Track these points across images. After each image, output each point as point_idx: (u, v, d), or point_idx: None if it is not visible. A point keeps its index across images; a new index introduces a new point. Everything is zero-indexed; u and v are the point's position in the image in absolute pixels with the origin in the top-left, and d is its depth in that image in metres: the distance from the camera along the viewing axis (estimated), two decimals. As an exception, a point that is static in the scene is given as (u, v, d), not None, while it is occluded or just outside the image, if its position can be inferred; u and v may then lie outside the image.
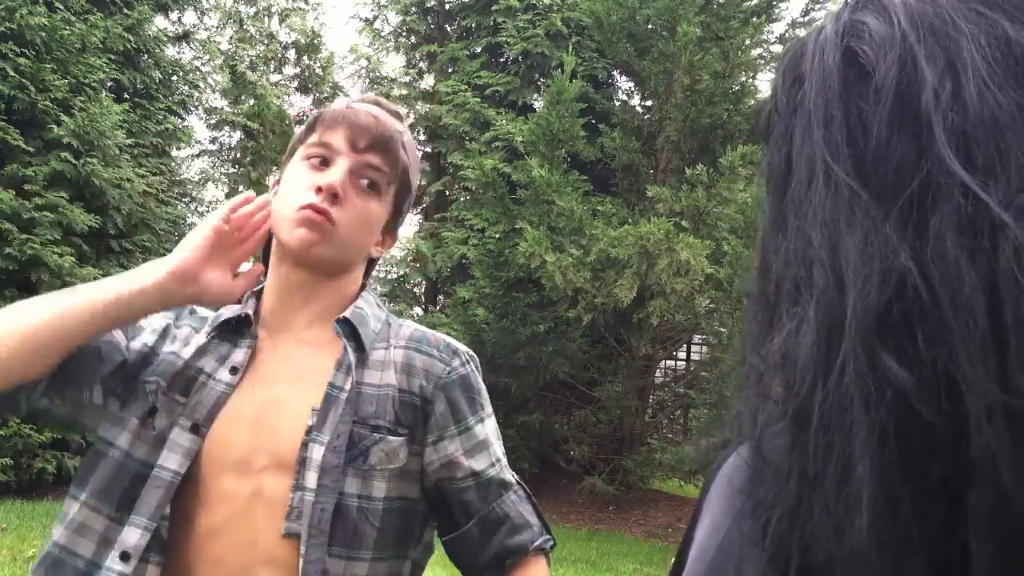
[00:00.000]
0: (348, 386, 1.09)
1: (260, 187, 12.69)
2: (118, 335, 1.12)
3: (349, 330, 1.13)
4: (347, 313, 1.14)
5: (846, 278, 0.42)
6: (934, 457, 0.39)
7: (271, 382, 1.11)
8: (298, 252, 1.11)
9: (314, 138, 1.15)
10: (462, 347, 1.21)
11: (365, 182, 1.14)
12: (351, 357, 1.11)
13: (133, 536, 1.02)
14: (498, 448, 1.18)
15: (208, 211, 11.77)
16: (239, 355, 1.13)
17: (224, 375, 1.11)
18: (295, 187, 1.13)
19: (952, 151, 0.40)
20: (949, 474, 0.38)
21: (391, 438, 1.08)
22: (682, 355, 10.46)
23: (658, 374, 9.77)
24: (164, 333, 1.16)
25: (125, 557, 1.02)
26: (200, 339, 1.14)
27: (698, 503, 0.54)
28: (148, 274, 1.03)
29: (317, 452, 1.04)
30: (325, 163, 1.13)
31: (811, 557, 0.42)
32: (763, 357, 0.47)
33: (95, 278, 6.89)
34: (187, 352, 1.12)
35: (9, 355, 1.00)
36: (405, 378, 1.13)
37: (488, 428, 1.17)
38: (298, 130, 1.24)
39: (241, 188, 12.87)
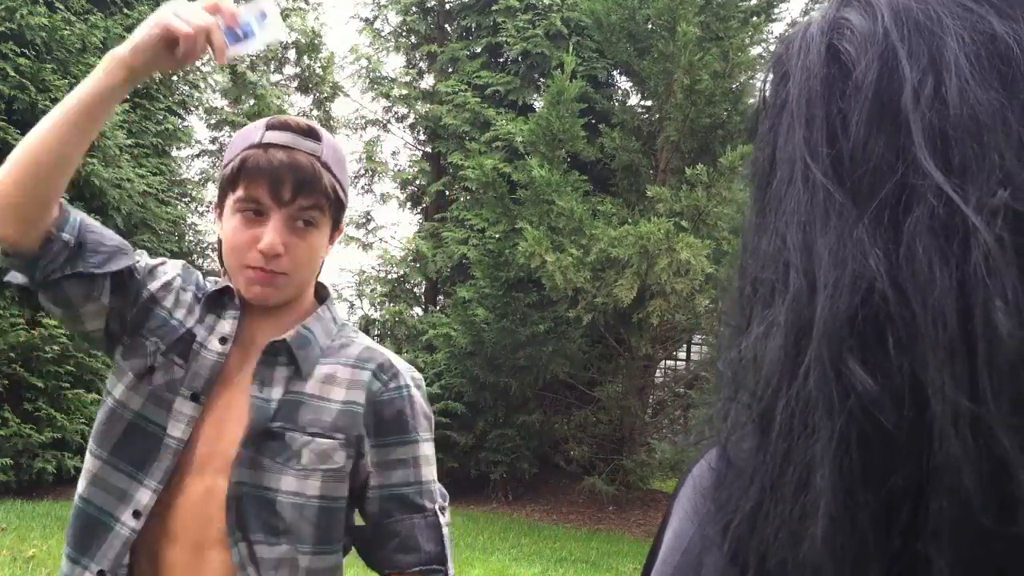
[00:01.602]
0: (276, 397, 1.21)
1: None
2: (133, 256, 1.23)
3: (286, 352, 1.23)
4: (288, 335, 1.23)
5: (818, 281, 0.41)
6: (895, 465, 0.38)
7: (233, 387, 1.22)
8: (256, 303, 1.23)
9: (240, 192, 1.18)
10: (407, 370, 1.29)
11: (301, 223, 1.20)
12: (285, 373, 1.23)
13: (144, 496, 1.16)
14: (424, 472, 1.26)
15: (208, 211, 11.78)
16: (226, 326, 1.23)
17: (215, 344, 1.22)
18: (237, 241, 1.19)
19: (929, 152, 0.39)
20: (910, 482, 0.37)
21: (322, 440, 1.19)
22: (682, 355, 10.46)
23: (658, 374, 9.77)
24: (168, 286, 1.25)
25: (136, 515, 1.16)
26: (197, 309, 1.24)
27: (668, 505, 0.54)
28: (113, 57, 1.12)
29: (244, 453, 1.17)
30: (259, 213, 1.18)
31: (767, 563, 0.41)
32: (733, 359, 0.46)
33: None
34: (190, 320, 1.22)
35: (16, 186, 1.11)
36: (347, 392, 1.23)
37: (415, 450, 1.25)
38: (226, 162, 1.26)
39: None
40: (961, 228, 0.38)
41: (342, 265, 12.56)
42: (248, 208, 1.18)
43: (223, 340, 1.22)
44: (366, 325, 11.08)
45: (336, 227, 1.28)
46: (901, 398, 0.38)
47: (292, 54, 13.47)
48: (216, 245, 1.30)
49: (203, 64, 11.15)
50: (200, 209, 11.36)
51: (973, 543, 0.36)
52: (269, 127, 1.20)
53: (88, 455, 1.21)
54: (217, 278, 1.31)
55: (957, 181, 0.38)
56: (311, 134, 1.22)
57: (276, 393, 1.21)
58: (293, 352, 1.22)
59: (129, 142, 8.35)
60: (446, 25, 11.52)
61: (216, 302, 1.25)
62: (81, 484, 1.20)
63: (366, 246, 11.99)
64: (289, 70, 13.59)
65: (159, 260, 1.28)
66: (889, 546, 0.38)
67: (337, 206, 1.24)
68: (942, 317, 0.37)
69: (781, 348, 0.42)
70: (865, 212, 0.40)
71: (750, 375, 0.44)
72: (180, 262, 1.29)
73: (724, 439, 0.46)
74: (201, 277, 1.29)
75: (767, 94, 0.50)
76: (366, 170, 12.48)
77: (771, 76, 0.50)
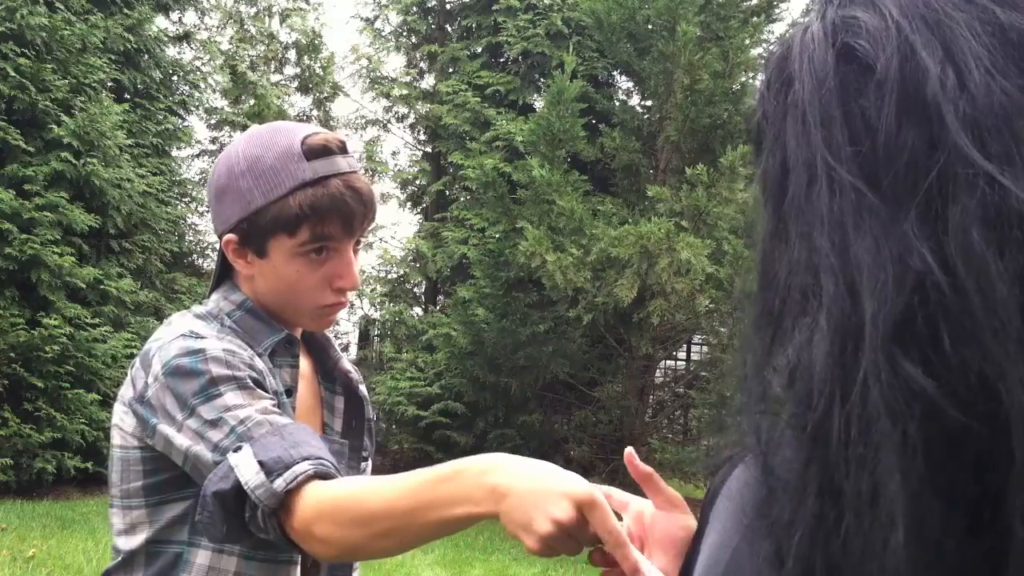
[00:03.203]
0: (338, 429, 1.28)
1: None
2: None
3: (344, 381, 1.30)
4: (350, 370, 1.30)
5: (859, 284, 0.40)
6: (965, 465, 0.37)
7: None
8: (319, 330, 1.23)
9: (304, 235, 1.10)
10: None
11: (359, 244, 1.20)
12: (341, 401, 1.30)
13: (297, 571, 1.15)
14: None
15: (208, 211, 11.74)
16: (286, 376, 1.19)
17: (283, 397, 1.16)
18: (308, 285, 1.14)
19: (968, 140, 0.38)
20: (985, 481, 0.37)
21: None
22: (682, 355, 10.45)
23: (658, 374, 9.77)
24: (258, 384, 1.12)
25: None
26: (263, 364, 1.14)
27: (702, 514, 0.53)
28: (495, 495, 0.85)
29: None
30: (320, 249, 1.13)
31: None
32: (767, 372, 0.45)
33: (95, 278, 6.81)
34: (274, 383, 1.14)
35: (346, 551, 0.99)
36: None
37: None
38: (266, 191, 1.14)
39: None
40: (1015, 215, 0.37)
41: (342, 265, 12.54)
42: (313, 249, 1.12)
43: (288, 393, 1.17)
44: (366, 325, 11.08)
45: None
46: (967, 397, 0.37)
47: (292, 54, 13.47)
48: (219, 270, 1.22)
49: (203, 64, 11.16)
50: (200, 209, 11.35)
51: None
52: (309, 157, 1.11)
53: (200, 551, 1.09)
54: (210, 306, 1.20)
55: (1001, 168, 0.38)
56: (346, 149, 1.16)
57: (338, 425, 1.25)
58: (353, 383, 1.28)
59: (129, 142, 8.34)
60: (447, 25, 11.51)
61: (281, 351, 1.19)
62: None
63: (366, 246, 11.98)
64: (289, 70, 13.59)
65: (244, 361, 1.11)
66: (969, 549, 0.37)
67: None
68: (1005, 308, 0.36)
69: (828, 355, 0.40)
70: (907, 207, 0.39)
71: (791, 386, 0.43)
72: (221, 354, 1.08)
73: (764, 451, 0.45)
74: (235, 345, 1.11)
75: (768, 100, 0.49)
76: (366, 170, 12.47)
77: (771, 81, 0.49)
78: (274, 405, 1.05)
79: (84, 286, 7.55)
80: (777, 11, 9.00)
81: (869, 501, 0.38)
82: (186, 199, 10.39)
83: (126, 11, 8.74)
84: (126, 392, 1.12)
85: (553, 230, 7.56)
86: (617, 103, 9.67)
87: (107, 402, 7.80)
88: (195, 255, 11.01)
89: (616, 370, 8.62)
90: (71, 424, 7.32)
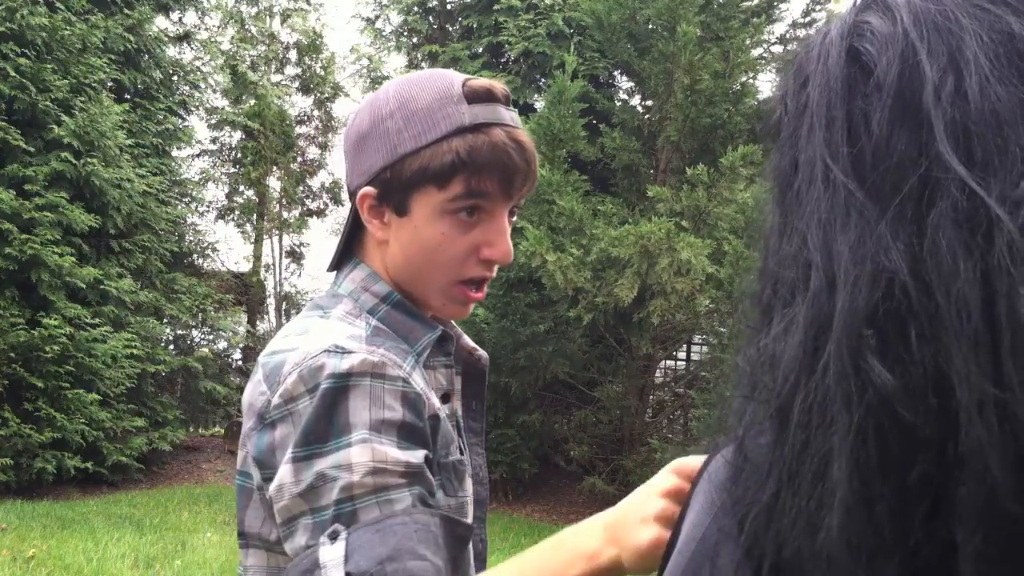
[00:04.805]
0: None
1: (260, 187, 12.68)
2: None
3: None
4: (481, 356, 1.17)
5: (837, 279, 0.42)
6: (914, 456, 0.38)
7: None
8: (452, 319, 1.07)
9: (458, 189, 0.94)
10: None
11: (512, 215, 1.02)
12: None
13: None
14: None
15: (208, 211, 11.77)
16: (441, 378, 1.04)
17: (437, 402, 0.97)
18: (454, 251, 0.96)
19: (951, 147, 0.40)
20: (930, 472, 0.38)
21: None
22: (682, 355, 10.45)
23: (658, 374, 9.77)
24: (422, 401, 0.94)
25: None
26: (420, 376, 0.96)
27: (685, 499, 0.55)
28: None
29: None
30: (472, 211, 0.96)
31: (783, 553, 0.42)
32: (751, 357, 0.47)
33: (95, 278, 6.83)
34: (434, 402, 0.96)
35: None
36: None
37: None
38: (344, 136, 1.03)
39: (241, 188, 12.87)
40: (984, 220, 0.38)
41: (342, 265, 12.54)
42: (465, 207, 0.95)
43: (446, 397, 1.03)
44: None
45: None
46: (921, 390, 0.38)
47: (293, 54, 13.47)
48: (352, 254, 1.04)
49: (204, 64, 11.16)
50: (200, 209, 11.36)
51: (1000, 528, 0.37)
52: (471, 100, 0.97)
53: None
54: (335, 299, 1.02)
55: (980, 174, 0.39)
56: (510, 100, 1.01)
57: (459, 407, 1.09)
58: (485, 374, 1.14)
59: (129, 142, 8.35)
60: (447, 25, 11.51)
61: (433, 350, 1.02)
62: None
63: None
64: (290, 70, 13.60)
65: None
66: (908, 537, 0.38)
67: None
68: (966, 307, 0.38)
69: (800, 345, 0.42)
70: (888, 208, 0.41)
71: (768, 372, 0.45)
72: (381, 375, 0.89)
73: (741, 435, 0.47)
74: (390, 359, 0.90)
75: (788, 100, 0.50)
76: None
77: (792, 82, 0.50)
78: (421, 460, 0.86)
79: (84, 286, 7.56)
80: (777, 11, 9.00)
81: (813, 482, 0.40)
82: (186, 199, 10.39)
83: (126, 11, 8.75)
84: (251, 410, 0.93)
85: (553, 230, 7.55)
86: (617, 103, 9.67)
87: (107, 402, 7.81)
88: (195, 255, 11.02)
89: (616, 370, 8.61)
90: (71, 424, 7.32)
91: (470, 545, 0.98)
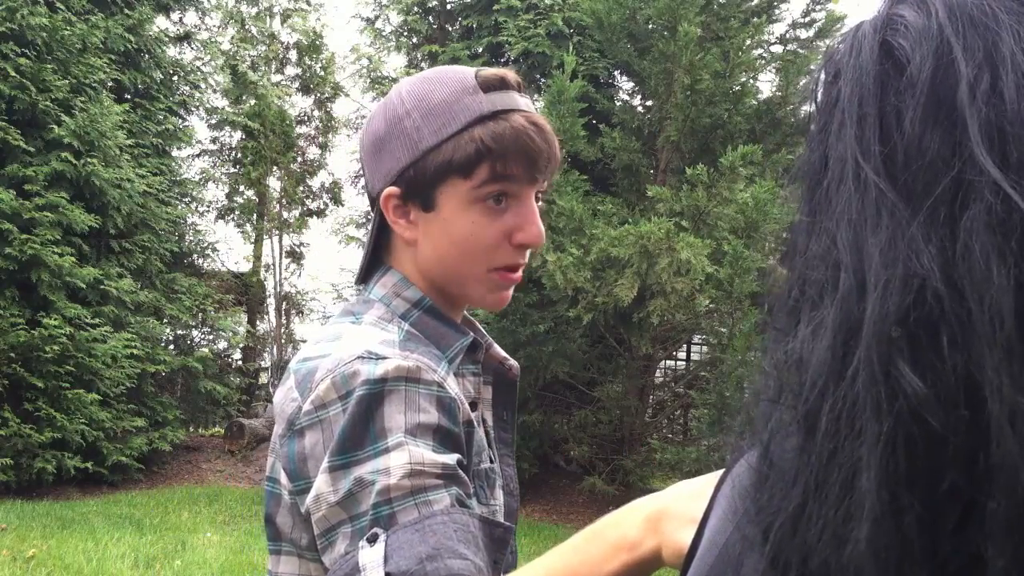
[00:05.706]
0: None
1: (260, 187, 12.69)
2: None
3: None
4: (512, 366, 1.12)
5: (867, 282, 0.40)
6: (944, 467, 0.37)
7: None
8: (489, 310, 1.05)
9: (484, 175, 0.94)
10: None
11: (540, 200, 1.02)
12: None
13: None
14: None
15: (208, 211, 11.76)
16: (469, 386, 1.02)
17: (467, 407, 0.96)
18: (486, 239, 0.96)
19: (985, 148, 0.38)
20: (960, 484, 0.37)
21: None
22: (682, 355, 10.45)
23: (658, 374, 9.77)
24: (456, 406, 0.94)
25: None
26: (453, 382, 0.95)
27: (709, 503, 0.54)
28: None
29: None
30: (499, 198, 0.96)
31: (809, 565, 0.41)
32: (778, 361, 0.46)
33: (95, 278, 6.84)
34: (465, 409, 0.94)
35: None
36: None
37: None
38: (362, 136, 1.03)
39: (241, 188, 12.87)
40: (1019, 225, 0.37)
41: (342, 265, 12.54)
42: (493, 193, 0.95)
43: (473, 405, 0.99)
44: (366, 325, 11.06)
45: None
46: (953, 399, 0.37)
47: (293, 54, 13.47)
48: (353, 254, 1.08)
49: (204, 64, 11.16)
50: (200, 209, 11.36)
51: None
52: (486, 88, 0.97)
53: None
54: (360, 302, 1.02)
55: (1015, 177, 0.38)
56: (521, 87, 1.01)
57: (489, 417, 1.07)
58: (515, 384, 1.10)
59: (129, 142, 8.35)
60: (447, 25, 11.52)
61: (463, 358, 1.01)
62: None
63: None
64: (290, 70, 13.61)
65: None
66: (936, 549, 0.37)
67: None
68: (999, 315, 0.36)
69: (828, 349, 0.41)
70: (919, 209, 0.40)
71: (795, 376, 0.43)
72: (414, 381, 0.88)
73: (767, 440, 0.46)
74: (424, 363, 0.89)
75: (819, 94, 0.49)
76: (366, 170, 12.48)
77: (823, 76, 0.49)
78: (455, 463, 0.85)
79: (84, 286, 7.56)
80: (777, 11, 8.99)
81: (842, 492, 0.39)
82: (186, 199, 10.39)
83: (127, 11, 8.75)
84: (280, 417, 0.92)
85: (553, 230, 7.55)
86: (617, 103, 9.67)
87: (107, 402, 7.81)
88: (195, 255, 11.02)
89: (616, 370, 8.61)
90: (71, 424, 7.33)
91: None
